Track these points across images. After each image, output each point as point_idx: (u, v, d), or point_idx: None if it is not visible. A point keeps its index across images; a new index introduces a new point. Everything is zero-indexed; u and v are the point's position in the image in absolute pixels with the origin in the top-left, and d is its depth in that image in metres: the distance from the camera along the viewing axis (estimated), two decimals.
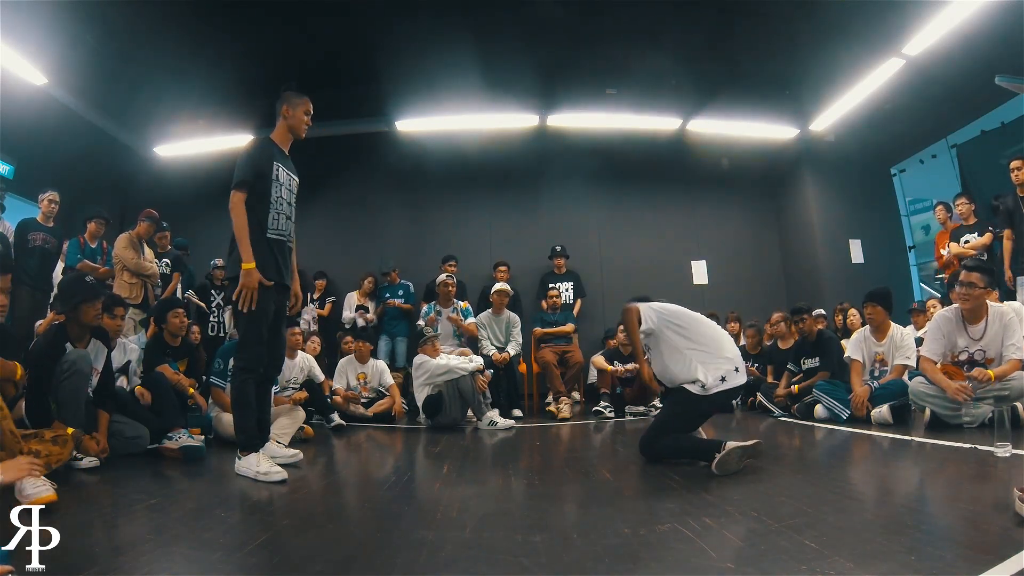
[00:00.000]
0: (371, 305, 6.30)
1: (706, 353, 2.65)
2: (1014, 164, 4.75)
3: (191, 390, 3.68)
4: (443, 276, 5.53)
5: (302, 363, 4.43)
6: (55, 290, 4.83)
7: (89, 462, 2.68)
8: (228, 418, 3.56)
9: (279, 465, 2.55)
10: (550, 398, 5.34)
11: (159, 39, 5.26)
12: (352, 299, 6.33)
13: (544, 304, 6.19)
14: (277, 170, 2.67)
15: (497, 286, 5.52)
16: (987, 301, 3.31)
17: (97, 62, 5.28)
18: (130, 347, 3.81)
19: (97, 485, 2.49)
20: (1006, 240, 4.86)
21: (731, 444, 2.36)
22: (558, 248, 6.51)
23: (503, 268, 6.29)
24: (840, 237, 6.83)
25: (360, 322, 6.04)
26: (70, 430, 2.55)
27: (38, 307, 4.60)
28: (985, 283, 3.26)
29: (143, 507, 2.05)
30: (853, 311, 5.39)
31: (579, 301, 6.46)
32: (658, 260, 7.05)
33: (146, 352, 3.82)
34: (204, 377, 4.02)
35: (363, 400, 5.00)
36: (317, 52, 5.81)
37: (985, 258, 5.07)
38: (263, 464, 2.48)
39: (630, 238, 7.15)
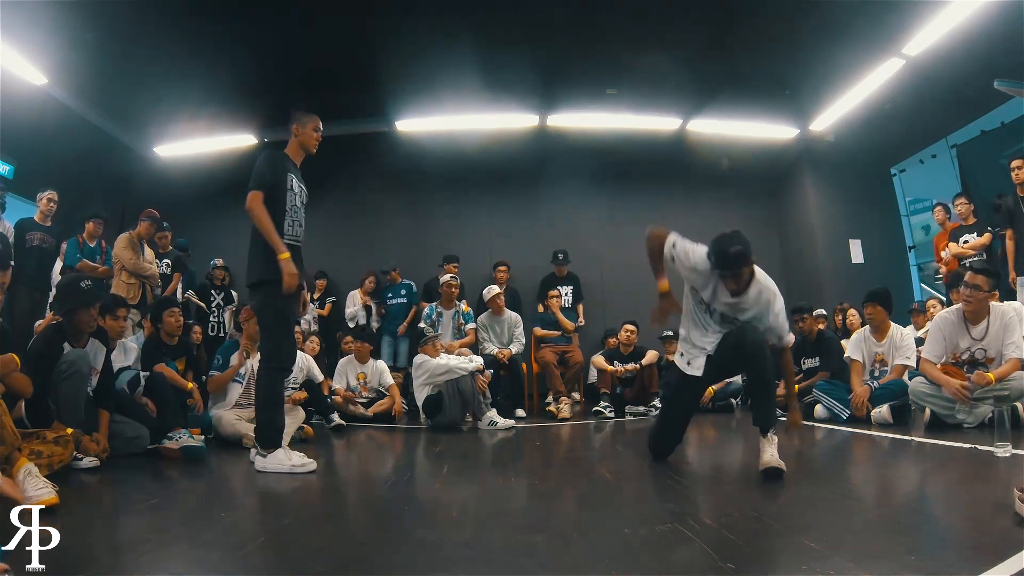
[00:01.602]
0: (373, 305, 6.31)
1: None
2: (1015, 164, 4.75)
3: (190, 385, 3.68)
4: (447, 276, 5.52)
5: (301, 363, 4.42)
6: (53, 290, 4.83)
7: (89, 462, 2.67)
8: (228, 418, 3.57)
9: None
10: (550, 398, 5.34)
11: (159, 39, 5.25)
12: (355, 297, 6.33)
13: (540, 307, 6.20)
14: (291, 180, 2.81)
15: (488, 293, 5.50)
16: (989, 302, 3.32)
17: (97, 62, 5.27)
18: (129, 346, 3.82)
19: (97, 485, 2.49)
20: (1008, 240, 4.86)
21: None
22: (560, 256, 6.41)
23: (503, 268, 6.28)
24: (840, 237, 6.82)
25: (371, 321, 6.08)
26: (69, 430, 2.55)
27: (36, 307, 4.60)
28: (990, 286, 3.27)
29: (143, 507, 2.05)
30: (853, 311, 5.39)
31: (580, 306, 6.40)
32: None
33: (143, 351, 3.82)
34: (204, 377, 4.03)
35: (362, 400, 5.00)
36: (317, 52, 5.80)
37: (984, 258, 5.08)
38: (294, 458, 2.57)
39: (630, 238, 7.06)
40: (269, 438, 2.64)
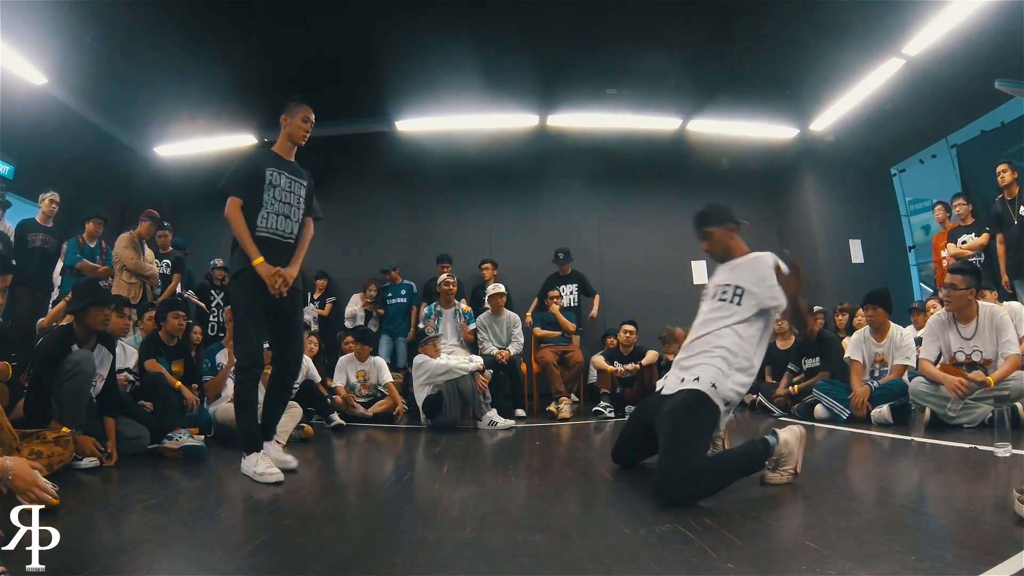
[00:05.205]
0: (373, 311, 6.31)
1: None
2: (1000, 168, 4.79)
3: (177, 384, 3.69)
4: (444, 276, 5.53)
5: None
6: (55, 289, 4.84)
7: (89, 462, 2.68)
8: (225, 408, 3.60)
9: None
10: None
11: (159, 39, 5.25)
12: (356, 300, 6.34)
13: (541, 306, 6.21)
14: (271, 175, 2.67)
15: (491, 290, 5.50)
16: (978, 301, 3.32)
17: (97, 62, 5.27)
18: (129, 349, 3.82)
19: (97, 485, 2.49)
20: (999, 244, 4.89)
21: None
22: (560, 255, 6.34)
23: (487, 265, 6.22)
24: (840, 237, 6.82)
25: (369, 323, 6.09)
26: (65, 429, 2.55)
27: (38, 307, 4.61)
28: (967, 284, 3.27)
29: (143, 507, 2.05)
30: (861, 311, 5.38)
31: (596, 299, 6.30)
32: (658, 260, 7.04)
33: (141, 348, 3.84)
34: (204, 379, 4.05)
35: (362, 400, 5.00)
36: (317, 52, 5.81)
37: (983, 259, 5.08)
38: (260, 465, 2.50)
39: (630, 238, 7.14)
40: (240, 441, 2.61)
